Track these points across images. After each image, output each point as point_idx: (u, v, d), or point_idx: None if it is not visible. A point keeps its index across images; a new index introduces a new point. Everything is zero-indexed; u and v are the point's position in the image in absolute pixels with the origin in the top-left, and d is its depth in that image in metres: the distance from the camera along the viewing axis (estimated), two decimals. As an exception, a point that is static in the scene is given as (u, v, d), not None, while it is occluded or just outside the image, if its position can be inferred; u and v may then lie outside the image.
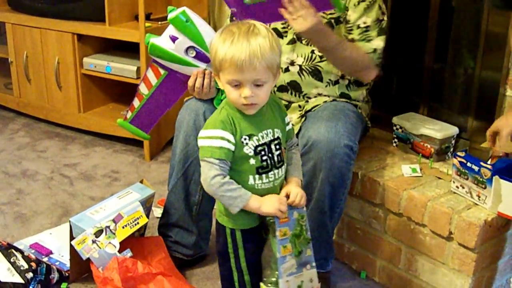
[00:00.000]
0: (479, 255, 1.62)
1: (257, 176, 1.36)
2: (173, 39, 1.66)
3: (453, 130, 1.95)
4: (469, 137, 2.01)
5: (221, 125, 1.32)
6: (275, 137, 1.38)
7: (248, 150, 1.34)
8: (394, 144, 2.06)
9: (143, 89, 1.80)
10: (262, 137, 1.36)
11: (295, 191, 1.40)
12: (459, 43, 2.06)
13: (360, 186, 1.87)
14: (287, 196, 1.39)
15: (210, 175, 1.31)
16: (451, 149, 1.96)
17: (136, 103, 1.82)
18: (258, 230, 1.42)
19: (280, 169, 1.40)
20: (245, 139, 1.34)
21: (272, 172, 1.38)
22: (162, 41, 1.69)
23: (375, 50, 1.76)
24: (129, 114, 1.85)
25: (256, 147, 1.35)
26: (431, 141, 1.92)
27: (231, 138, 1.32)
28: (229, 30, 1.30)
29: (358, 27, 1.76)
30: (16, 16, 3.02)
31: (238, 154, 1.34)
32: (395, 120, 2.04)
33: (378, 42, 1.77)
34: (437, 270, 1.72)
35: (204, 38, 1.66)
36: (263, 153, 1.36)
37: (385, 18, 1.80)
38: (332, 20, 1.77)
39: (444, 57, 2.10)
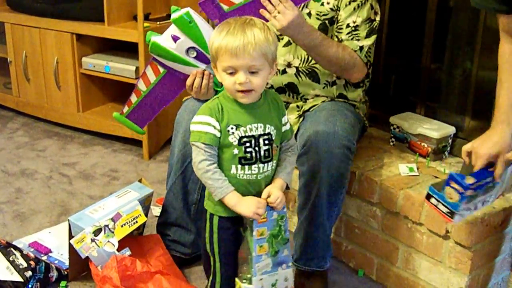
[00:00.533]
0: (476, 253, 1.63)
1: (239, 166, 1.38)
2: (175, 38, 1.67)
3: (450, 129, 1.96)
4: (466, 137, 2.01)
5: (208, 112, 1.37)
6: (266, 132, 1.40)
7: (233, 139, 1.37)
8: (392, 144, 2.07)
9: (141, 85, 1.81)
10: (251, 129, 1.38)
11: (276, 194, 1.41)
12: (456, 43, 2.06)
13: (358, 185, 1.88)
14: (269, 196, 1.41)
15: (198, 159, 1.37)
16: (448, 148, 1.97)
17: (134, 98, 1.83)
18: (236, 221, 1.44)
19: (266, 164, 1.41)
20: (232, 128, 1.36)
21: (256, 166, 1.39)
22: (163, 40, 1.69)
23: (361, 48, 1.75)
24: (126, 109, 1.86)
25: (241, 137, 1.37)
26: (428, 141, 1.93)
27: (217, 124, 1.36)
28: (227, 22, 1.35)
29: (348, 26, 1.75)
30: (15, 16, 3.02)
31: (223, 141, 1.37)
32: (392, 119, 2.05)
33: (367, 42, 1.76)
34: (434, 268, 1.73)
35: (206, 39, 1.66)
36: (248, 144, 1.38)
37: (377, 19, 1.80)
38: (326, 21, 1.78)
39: (441, 57, 2.10)
